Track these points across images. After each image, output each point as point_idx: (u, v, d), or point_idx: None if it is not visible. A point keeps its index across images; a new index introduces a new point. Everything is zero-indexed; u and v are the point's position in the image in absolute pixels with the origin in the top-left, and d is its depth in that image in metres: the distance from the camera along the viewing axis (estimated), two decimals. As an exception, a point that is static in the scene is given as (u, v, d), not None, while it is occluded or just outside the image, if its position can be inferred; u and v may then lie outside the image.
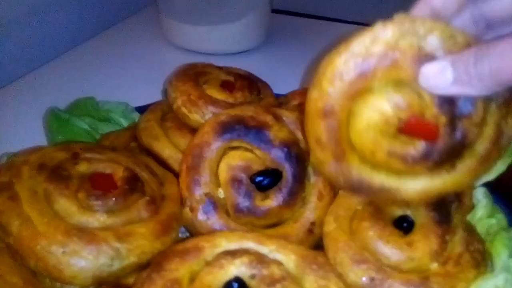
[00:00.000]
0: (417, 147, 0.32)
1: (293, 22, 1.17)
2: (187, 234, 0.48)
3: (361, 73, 0.32)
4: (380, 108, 0.32)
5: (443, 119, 0.31)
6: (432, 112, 0.31)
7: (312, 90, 0.36)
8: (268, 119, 0.48)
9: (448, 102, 0.30)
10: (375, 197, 0.39)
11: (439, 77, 0.29)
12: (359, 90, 0.32)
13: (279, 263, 0.33)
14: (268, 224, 0.46)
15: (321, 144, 0.35)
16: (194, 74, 0.56)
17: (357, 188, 0.36)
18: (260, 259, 0.33)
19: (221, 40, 0.97)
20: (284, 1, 1.25)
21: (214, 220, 0.44)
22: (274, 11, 1.04)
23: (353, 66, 0.32)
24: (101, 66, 0.88)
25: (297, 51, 1.02)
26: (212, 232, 0.44)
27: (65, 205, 0.36)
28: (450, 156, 0.32)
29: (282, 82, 0.67)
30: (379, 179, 0.35)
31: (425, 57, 0.30)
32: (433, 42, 0.30)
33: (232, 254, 0.33)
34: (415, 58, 0.30)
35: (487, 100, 0.31)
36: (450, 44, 0.30)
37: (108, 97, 0.63)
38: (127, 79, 0.84)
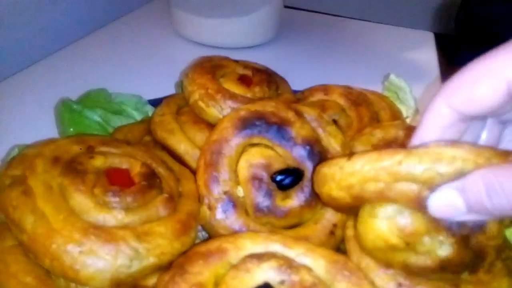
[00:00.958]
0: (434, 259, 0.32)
1: (304, 17, 1.16)
2: (203, 233, 0.46)
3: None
4: (384, 235, 0.31)
5: (452, 240, 0.31)
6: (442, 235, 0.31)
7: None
8: (290, 115, 0.46)
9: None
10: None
11: (450, 208, 0.27)
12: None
13: (309, 269, 0.31)
14: (288, 225, 0.45)
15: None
16: (211, 67, 0.54)
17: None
18: (289, 264, 0.31)
19: (232, 34, 0.95)
20: None
21: (233, 220, 0.42)
22: (286, 7, 1.03)
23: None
24: (112, 57, 0.86)
25: (310, 46, 1.00)
26: (230, 231, 0.42)
27: (81, 201, 0.35)
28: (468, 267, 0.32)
29: (295, 77, 0.65)
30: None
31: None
32: (441, 171, 0.27)
33: (259, 257, 0.31)
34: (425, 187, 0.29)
35: None
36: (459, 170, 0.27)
37: (119, 88, 0.61)
38: (138, 70, 0.82)
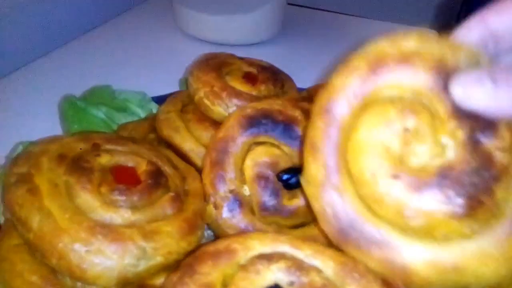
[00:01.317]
0: (433, 168, 0.27)
1: (307, 14, 1.15)
2: (209, 231, 0.46)
3: (374, 73, 0.29)
4: (386, 119, 0.28)
5: (460, 134, 0.27)
6: (448, 127, 0.27)
7: (324, 87, 0.32)
8: (297, 113, 0.46)
9: (468, 117, 0.26)
10: (364, 252, 0.30)
11: (477, 87, 0.25)
12: (370, 96, 0.29)
13: (318, 270, 0.31)
14: (294, 225, 0.44)
15: (315, 152, 0.31)
16: (216, 65, 0.53)
17: (344, 231, 0.30)
18: (299, 265, 0.30)
19: (236, 31, 0.94)
20: None
21: (239, 219, 0.42)
22: (289, 4, 1.02)
23: (366, 64, 0.30)
24: (115, 53, 0.85)
25: (312, 43, 1.00)
26: (236, 230, 0.42)
27: (87, 199, 0.34)
28: (478, 195, 0.26)
29: (298, 75, 0.65)
30: (377, 226, 0.29)
31: (449, 70, 0.27)
32: (458, 57, 0.27)
33: (268, 258, 0.31)
34: (437, 69, 0.27)
35: None
36: (476, 61, 0.27)
37: (123, 85, 0.60)
38: (141, 67, 0.82)
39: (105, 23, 0.96)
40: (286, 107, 0.46)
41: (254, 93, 0.52)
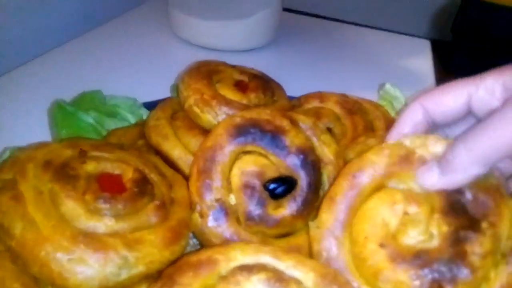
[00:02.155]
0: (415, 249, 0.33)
1: (303, 21, 1.16)
2: (194, 240, 0.46)
3: (399, 165, 0.36)
4: (393, 201, 0.35)
5: (445, 229, 0.32)
6: (437, 221, 0.33)
7: (359, 157, 0.39)
8: (285, 123, 0.46)
9: (458, 214, 0.32)
10: None
11: (429, 174, 0.34)
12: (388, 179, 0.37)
13: (298, 282, 0.31)
14: (280, 234, 0.45)
15: (331, 204, 0.38)
16: (207, 72, 0.53)
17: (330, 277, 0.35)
18: (279, 277, 0.31)
19: (231, 37, 0.95)
20: (293, 1, 1.23)
21: (225, 228, 0.42)
22: (284, 9, 1.03)
23: (396, 156, 0.37)
24: (106, 58, 0.85)
25: (307, 51, 1.01)
26: (221, 239, 0.42)
27: (71, 207, 0.34)
28: (441, 282, 0.31)
29: (291, 83, 0.65)
30: (356, 281, 0.34)
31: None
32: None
33: (249, 269, 0.31)
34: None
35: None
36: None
37: (114, 90, 0.60)
38: (133, 72, 0.82)
39: (98, 27, 0.96)
40: (275, 117, 0.47)
41: (244, 101, 0.52)
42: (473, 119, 0.36)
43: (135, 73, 0.81)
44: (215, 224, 0.42)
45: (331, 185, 0.42)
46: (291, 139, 0.45)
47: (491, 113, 0.31)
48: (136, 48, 0.92)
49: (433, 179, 0.34)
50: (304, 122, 0.49)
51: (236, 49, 0.95)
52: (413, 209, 0.34)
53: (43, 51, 0.81)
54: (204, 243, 0.43)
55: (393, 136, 0.39)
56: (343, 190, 0.38)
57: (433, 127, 0.38)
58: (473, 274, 0.30)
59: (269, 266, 0.32)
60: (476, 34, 2.76)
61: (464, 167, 0.32)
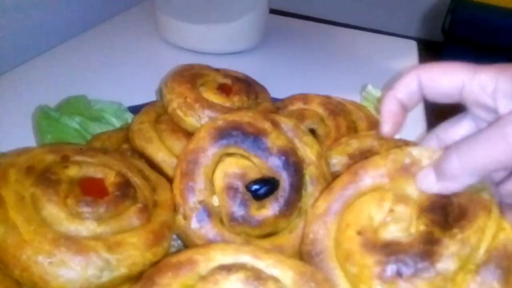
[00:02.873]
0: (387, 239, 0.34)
1: (290, 23, 1.17)
2: (179, 242, 0.46)
3: (399, 174, 0.37)
4: (382, 198, 0.37)
5: (422, 227, 0.34)
6: (418, 220, 0.34)
7: (368, 159, 0.40)
8: (266, 126, 0.47)
9: (436, 216, 0.34)
10: None
11: (426, 178, 0.35)
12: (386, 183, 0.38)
13: (276, 280, 0.32)
14: (263, 234, 0.45)
15: (329, 193, 0.40)
16: (190, 76, 0.54)
17: (311, 254, 0.38)
18: (257, 275, 0.31)
19: (217, 40, 0.95)
20: (281, 1, 1.24)
21: (208, 229, 0.43)
22: (271, 11, 1.04)
23: (399, 165, 0.38)
24: (93, 62, 0.85)
25: (293, 53, 1.01)
26: (205, 240, 0.43)
27: (53, 211, 0.35)
28: (403, 274, 0.32)
29: (277, 85, 0.66)
30: (332, 263, 0.36)
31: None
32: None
33: (228, 269, 0.32)
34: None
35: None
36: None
37: (99, 94, 0.61)
38: (120, 76, 0.82)
39: (85, 31, 0.96)
40: (256, 119, 0.47)
41: (227, 104, 0.53)
42: (470, 122, 0.37)
43: (122, 78, 0.81)
44: (198, 226, 0.43)
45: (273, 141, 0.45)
46: (273, 141, 0.46)
47: (487, 126, 0.31)
48: (122, 52, 0.92)
49: (430, 184, 0.35)
50: (286, 123, 0.50)
51: (223, 52, 0.96)
52: (400, 208, 0.36)
53: (28, 57, 0.82)
54: (188, 245, 0.44)
55: (388, 99, 0.39)
56: (343, 184, 0.40)
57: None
58: (435, 274, 0.31)
59: (248, 265, 0.33)
60: (466, 34, 2.79)
61: (456, 176, 0.33)
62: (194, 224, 0.43)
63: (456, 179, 0.33)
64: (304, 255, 0.40)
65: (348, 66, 0.97)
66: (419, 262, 0.31)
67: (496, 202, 0.35)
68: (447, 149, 0.34)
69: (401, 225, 0.35)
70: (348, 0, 3.27)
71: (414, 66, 0.38)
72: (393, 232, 0.35)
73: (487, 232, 0.33)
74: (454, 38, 2.88)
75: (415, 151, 0.38)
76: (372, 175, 0.38)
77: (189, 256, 0.33)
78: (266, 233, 0.45)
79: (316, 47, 1.05)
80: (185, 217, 0.43)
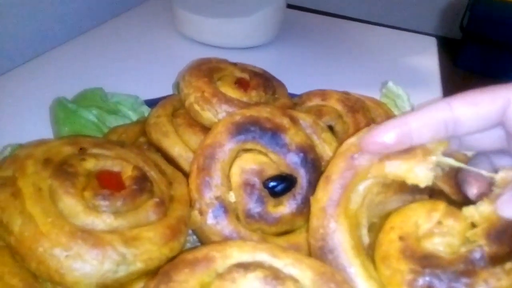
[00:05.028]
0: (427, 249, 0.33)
1: (307, 18, 1.15)
2: (194, 237, 0.46)
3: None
4: (434, 208, 0.35)
5: (463, 250, 0.32)
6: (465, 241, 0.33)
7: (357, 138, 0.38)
8: (285, 121, 0.46)
9: (497, 239, 0.31)
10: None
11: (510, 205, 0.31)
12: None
13: (295, 280, 0.31)
14: (279, 232, 0.45)
15: (327, 183, 0.38)
16: (208, 70, 0.53)
17: (323, 250, 0.36)
18: (275, 275, 0.31)
19: (234, 34, 0.95)
20: None
21: (224, 225, 0.42)
22: (288, 6, 1.03)
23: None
24: (109, 55, 0.85)
25: (310, 48, 1.00)
26: (221, 237, 0.42)
27: (70, 204, 0.34)
28: None
29: (293, 80, 0.65)
30: (351, 263, 0.35)
31: None
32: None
33: (245, 267, 0.31)
34: None
35: None
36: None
37: (116, 87, 0.61)
38: (136, 69, 0.82)
39: (102, 24, 0.96)
40: (275, 115, 0.46)
41: (245, 99, 0.52)
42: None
43: (138, 71, 0.81)
44: (214, 222, 0.42)
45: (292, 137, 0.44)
46: (291, 137, 0.45)
47: None
48: (139, 45, 0.92)
49: None
50: (305, 120, 0.49)
51: (239, 47, 0.95)
52: (449, 222, 0.34)
53: (46, 49, 0.82)
54: (203, 241, 0.43)
55: (402, 131, 0.34)
56: (340, 170, 0.37)
57: (451, 137, 0.35)
58: None
59: (266, 264, 0.32)
60: (484, 31, 2.74)
61: None
62: (210, 220, 0.42)
63: None
64: (316, 250, 0.38)
65: (366, 62, 0.95)
66: (453, 281, 0.30)
67: None
68: None
69: (446, 239, 0.33)
70: (364, -4, 3.23)
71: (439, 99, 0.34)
72: (436, 244, 0.33)
73: None
74: (472, 35, 2.82)
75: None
76: (368, 157, 0.36)
77: (205, 253, 0.32)
78: (282, 230, 0.45)
79: (333, 43, 1.04)
80: (201, 213, 0.42)
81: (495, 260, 0.30)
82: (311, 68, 0.92)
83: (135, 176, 0.39)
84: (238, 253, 0.33)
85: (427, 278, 0.30)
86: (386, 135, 0.34)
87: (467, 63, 2.87)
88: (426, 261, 0.31)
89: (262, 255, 0.33)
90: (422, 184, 0.34)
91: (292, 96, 0.63)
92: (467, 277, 0.29)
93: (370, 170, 0.37)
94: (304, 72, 0.90)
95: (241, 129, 0.45)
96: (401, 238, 0.33)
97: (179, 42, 0.96)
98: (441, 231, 0.33)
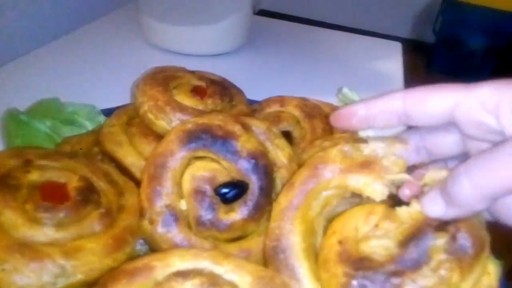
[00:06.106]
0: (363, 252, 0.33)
1: (275, 25, 1.16)
2: (147, 246, 0.46)
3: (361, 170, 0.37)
4: (372, 212, 0.36)
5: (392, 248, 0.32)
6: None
7: (326, 151, 0.40)
8: (236, 128, 0.47)
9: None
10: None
11: (434, 204, 0.32)
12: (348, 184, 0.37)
13: (233, 285, 0.31)
14: (232, 238, 0.45)
15: (289, 188, 0.39)
16: (163, 78, 0.54)
17: (276, 250, 0.36)
18: (213, 281, 0.31)
19: (201, 42, 0.95)
20: (272, 2, 1.24)
21: (175, 233, 0.42)
22: (261, 11, 1.04)
23: (361, 160, 0.37)
24: (73, 66, 0.85)
25: (278, 55, 1.01)
26: (171, 245, 0.42)
27: (11, 217, 0.34)
28: None
29: (259, 87, 0.66)
30: (294, 263, 0.35)
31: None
32: None
33: (184, 275, 0.31)
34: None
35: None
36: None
37: (79, 99, 0.60)
38: (101, 79, 0.81)
39: (66, 34, 0.95)
40: (227, 122, 0.47)
41: (200, 107, 0.52)
42: (458, 141, 0.35)
43: (102, 81, 0.81)
44: (164, 230, 0.42)
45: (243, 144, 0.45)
46: (243, 144, 0.46)
47: (497, 146, 0.28)
48: (104, 55, 0.91)
49: (437, 209, 0.31)
50: (258, 126, 0.50)
51: (206, 54, 0.96)
52: (385, 225, 0.35)
53: (4, 62, 0.81)
54: (155, 250, 0.43)
55: (362, 114, 0.36)
56: (304, 178, 0.39)
57: (404, 126, 0.36)
58: None
59: (206, 271, 0.32)
60: (456, 35, 2.81)
61: (467, 201, 0.29)
62: (160, 229, 0.42)
63: (469, 207, 0.29)
64: (269, 250, 0.38)
65: (330, 68, 0.97)
66: (384, 282, 0.30)
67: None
68: (454, 170, 0.30)
69: (382, 242, 0.34)
70: (340, 2, 3.28)
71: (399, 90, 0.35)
72: (373, 247, 0.34)
73: (473, 274, 0.30)
74: (444, 39, 2.89)
75: (369, 147, 0.37)
76: (331, 169, 0.38)
77: (146, 262, 0.32)
78: (235, 237, 0.45)
79: (300, 49, 1.05)
80: (151, 222, 0.42)
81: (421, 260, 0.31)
82: (277, 74, 0.93)
83: (80, 187, 0.39)
84: (179, 262, 0.33)
85: (360, 281, 0.31)
86: (354, 109, 0.36)
87: (440, 66, 2.94)
88: (360, 264, 0.32)
89: (204, 263, 0.33)
90: (377, 199, 0.35)
91: (253, 102, 0.64)
92: (397, 277, 0.30)
93: (332, 181, 0.38)
94: (270, 79, 0.91)
95: (192, 137, 0.45)
96: (339, 242, 0.34)
97: (146, 51, 0.96)
98: (377, 234, 0.34)
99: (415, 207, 0.33)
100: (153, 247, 0.44)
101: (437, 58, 2.96)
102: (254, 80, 0.91)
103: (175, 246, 0.42)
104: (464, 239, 0.29)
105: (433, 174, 0.33)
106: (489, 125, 0.30)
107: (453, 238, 0.29)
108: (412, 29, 3.35)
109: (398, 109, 0.34)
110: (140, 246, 0.45)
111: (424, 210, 0.32)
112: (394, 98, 0.34)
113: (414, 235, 0.31)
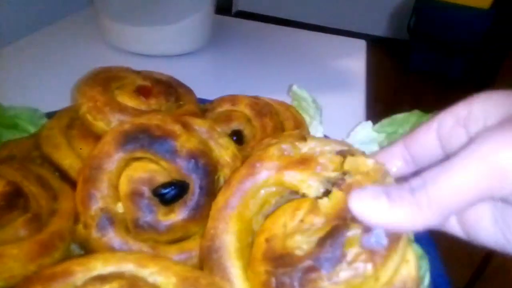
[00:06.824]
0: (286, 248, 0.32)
1: (237, 24, 1.16)
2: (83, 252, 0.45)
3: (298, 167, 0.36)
4: (299, 207, 0.35)
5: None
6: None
7: (265, 151, 0.39)
8: (176, 128, 0.46)
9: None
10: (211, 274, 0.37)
11: (373, 204, 0.27)
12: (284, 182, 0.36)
13: (156, 287, 0.31)
14: (173, 240, 0.44)
15: (227, 187, 0.38)
16: (104, 79, 0.52)
17: (210, 250, 0.36)
18: (133, 284, 0.30)
19: (161, 42, 0.94)
20: (249, 4, 1.23)
21: (111, 237, 0.41)
22: (238, 12, 1.03)
23: (298, 158, 0.36)
24: (27, 69, 0.83)
25: (241, 55, 1.01)
26: (108, 249, 0.41)
27: None
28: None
29: (220, 87, 0.65)
30: (231, 263, 0.35)
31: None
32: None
33: (102, 279, 0.30)
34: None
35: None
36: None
37: (29, 103, 0.58)
38: (57, 83, 0.79)
39: (19, 39, 0.93)
40: (166, 121, 0.46)
41: (143, 107, 0.51)
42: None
43: (58, 84, 0.79)
44: (99, 234, 0.41)
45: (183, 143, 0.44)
46: (182, 143, 0.45)
47: (459, 150, 0.25)
48: (62, 58, 0.90)
49: (379, 217, 0.27)
50: (200, 125, 0.49)
51: (168, 54, 0.95)
52: (310, 218, 0.34)
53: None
54: (91, 254, 0.42)
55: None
56: (241, 177, 0.38)
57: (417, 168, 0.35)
58: None
59: (127, 274, 0.31)
60: (430, 32, 2.85)
61: (426, 217, 0.25)
62: (95, 233, 0.41)
63: (422, 221, 0.26)
64: (204, 250, 0.38)
65: (290, 66, 0.97)
66: (302, 278, 0.30)
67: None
68: (412, 180, 0.27)
69: (304, 237, 0.33)
70: (317, 1, 3.30)
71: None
72: (298, 242, 0.33)
73: (390, 264, 0.29)
74: (419, 36, 2.93)
75: (312, 143, 0.37)
76: (268, 167, 0.37)
77: (66, 267, 0.31)
78: (176, 238, 0.44)
79: (263, 49, 1.05)
80: (86, 226, 0.41)
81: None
82: (239, 74, 0.93)
83: (5, 192, 0.37)
84: (102, 266, 0.32)
85: (279, 277, 0.30)
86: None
87: (416, 64, 2.98)
88: (281, 261, 0.31)
89: (128, 266, 0.32)
90: (312, 195, 0.35)
91: (205, 102, 0.63)
92: (313, 272, 0.29)
93: (269, 179, 0.37)
94: (232, 79, 0.90)
95: (129, 137, 0.44)
96: (266, 240, 0.33)
97: (106, 53, 0.95)
98: (302, 228, 0.33)
99: (336, 196, 0.32)
100: (90, 252, 0.42)
101: (413, 56, 3.00)
102: (216, 80, 0.90)
103: (111, 251, 0.41)
104: (378, 230, 0.29)
105: (353, 162, 0.33)
106: (460, 137, 0.29)
107: (366, 229, 0.29)
108: (388, 27, 3.39)
109: (399, 154, 0.34)
110: (79, 251, 0.43)
111: (350, 204, 0.29)
112: (395, 146, 0.35)
113: (331, 229, 0.30)
